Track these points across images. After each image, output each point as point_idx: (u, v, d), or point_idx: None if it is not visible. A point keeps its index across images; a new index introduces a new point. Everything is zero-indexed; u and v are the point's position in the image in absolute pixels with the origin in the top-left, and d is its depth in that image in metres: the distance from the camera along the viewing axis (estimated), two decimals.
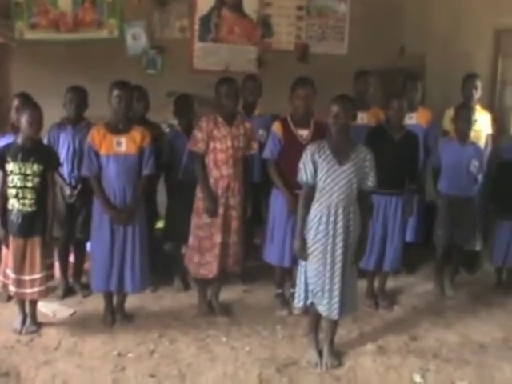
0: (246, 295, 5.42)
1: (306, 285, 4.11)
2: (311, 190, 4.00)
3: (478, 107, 5.77)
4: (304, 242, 3.98)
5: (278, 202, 4.79)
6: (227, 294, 5.25)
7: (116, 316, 4.77)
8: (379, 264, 5.07)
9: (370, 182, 4.04)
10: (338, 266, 4.00)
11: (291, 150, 4.54)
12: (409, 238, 5.48)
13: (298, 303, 4.20)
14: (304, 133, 4.70)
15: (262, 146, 4.97)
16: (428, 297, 5.55)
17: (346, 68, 6.12)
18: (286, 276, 5.09)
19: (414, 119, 5.70)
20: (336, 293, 4.04)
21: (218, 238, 4.63)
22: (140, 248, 4.54)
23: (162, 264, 5.37)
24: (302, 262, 4.10)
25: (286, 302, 5.05)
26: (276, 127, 4.80)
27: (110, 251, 4.51)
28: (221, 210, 4.61)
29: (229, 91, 4.54)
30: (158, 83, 6.50)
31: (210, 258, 4.64)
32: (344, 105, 3.93)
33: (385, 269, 5.09)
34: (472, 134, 5.41)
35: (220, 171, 4.60)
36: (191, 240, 4.71)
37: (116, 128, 4.47)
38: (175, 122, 5.51)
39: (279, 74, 6.21)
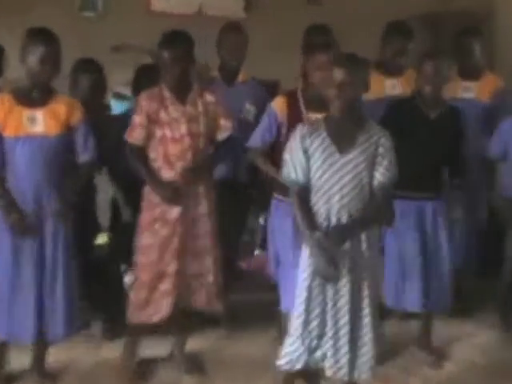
0: (227, 343, 4.69)
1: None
2: (304, 190, 3.54)
3: None
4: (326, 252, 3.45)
5: (278, 217, 4.15)
6: (198, 342, 4.55)
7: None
8: (418, 302, 4.33)
9: (383, 175, 3.49)
10: (344, 310, 3.49)
11: None
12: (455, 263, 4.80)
13: (287, 364, 3.61)
14: (319, 117, 3.94)
15: (248, 127, 4.38)
16: (493, 349, 4.71)
17: (376, 12, 5.69)
18: None
19: (473, 91, 4.95)
20: (343, 349, 3.53)
21: (172, 266, 4.05)
22: (65, 275, 3.98)
23: (111, 294, 4.66)
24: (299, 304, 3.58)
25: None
26: (277, 104, 4.17)
27: (11, 282, 3.96)
28: (178, 227, 4.02)
29: (174, 52, 3.97)
30: (99, 32, 5.99)
31: (158, 295, 4.08)
32: (352, 69, 3.46)
33: (428, 309, 4.37)
34: None
35: (174, 170, 4.01)
36: (135, 270, 4.16)
37: (29, 98, 3.92)
38: (124, 90, 5.16)
39: (276, 21, 5.75)
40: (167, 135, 4.08)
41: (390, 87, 4.47)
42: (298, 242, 4.03)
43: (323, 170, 3.51)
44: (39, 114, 3.99)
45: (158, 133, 4.10)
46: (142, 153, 4.15)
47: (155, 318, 4.15)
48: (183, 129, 4.08)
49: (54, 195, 4.04)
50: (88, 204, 4.65)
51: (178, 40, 4.13)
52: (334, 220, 3.53)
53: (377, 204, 3.65)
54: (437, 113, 4.37)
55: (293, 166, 3.57)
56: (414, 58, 4.87)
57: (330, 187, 3.50)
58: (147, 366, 4.47)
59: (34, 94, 3.97)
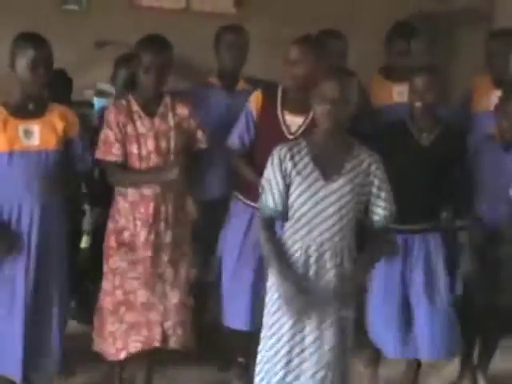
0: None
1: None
2: (274, 220, 3.31)
3: None
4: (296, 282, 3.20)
5: (237, 223, 4.05)
6: None
7: None
8: (406, 350, 4.00)
9: (385, 209, 3.27)
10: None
11: (266, 145, 3.56)
12: None
13: None
14: (296, 121, 3.89)
15: None
16: None
17: (373, 10, 5.57)
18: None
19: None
20: None
21: (140, 296, 3.81)
22: (59, 302, 3.82)
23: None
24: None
25: (246, 371, 4.24)
26: (253, 101, 3.98)
27: None
28: (148, 253, 3.80)
29: (151, 60, 3.74)
30: (83, 27, 5.75)
31: (122, 328, 3.82)
32: (343, 82, 3.20)
33: (411, 356, 4.08)
34: None
35: (139, 190, 3.81)
36: (100, 296, 3.94)
37: (23, 110, 3.76)
38: (108, 87, 4.95)
39: (269, 17, 5.53)
40: (133, 152, 3.86)
41: (398, 94, 4.33)
42: (246, 243, 3.98)
43: (304, 199, 3.26)
44: (35, 127, 3.84)
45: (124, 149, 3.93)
46: (122, 167, 3.93)
47: (122, 355, 3.88)
48: (150, 145, 3.87)
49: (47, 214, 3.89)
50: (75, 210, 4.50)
51: (160, 45, 3.90)
52: (314, 256, 3.27)
53: (379, 245, 3.46)
54: (431, 138, 4.02)
55: (271, 192, 3.31)
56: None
57: (312, 218, 3.26)
58: None
59: (30, 106, 3.81)
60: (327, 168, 3.26)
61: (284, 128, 3.92)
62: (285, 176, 3.26)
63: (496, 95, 4.31)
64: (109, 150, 3.84)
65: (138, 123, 3.86)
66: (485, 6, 6.10)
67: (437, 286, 4.01)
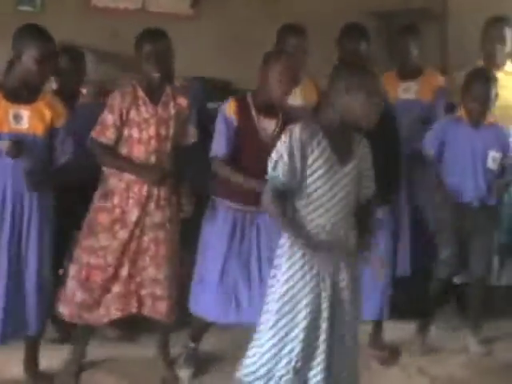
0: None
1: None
2: (282, 193, 3.36)
3: (505, 70, 4.99)
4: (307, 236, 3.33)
5: (216, 220, 4.08)
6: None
7: None
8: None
9: (369, 189, 3.48)
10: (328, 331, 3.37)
11: (247, 151, 3.90)
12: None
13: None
14: (270, 125, 4.01)
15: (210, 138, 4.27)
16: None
17: (333, 9, 5.52)
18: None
19: (413, 91, 4.96)
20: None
21: (125, 269, 4.02)
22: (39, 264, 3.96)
23: None
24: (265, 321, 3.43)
25: (195, 359, 4.33)
26: (232, 110, 4.07)
27: None
28: (137, 231, 4.00)
29: (153, 51, 3.94)
30: None
31: (109, 297, 4.05)
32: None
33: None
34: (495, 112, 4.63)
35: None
36: (74, 269, 4.05)
37: (17, 95, 3.89)
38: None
39: (226, 18, 5.38)
40: (134, 136, 4.02)
41: None
42: (230, 252, 4.05)
43: (323, 182, 3.38)
44: (25, 112, 3.91)
45: (125, 133, 4.03)
46: (112, 150, 4.07)
47: (105, 320, 4.10)
48: (151, 131, 4.03)
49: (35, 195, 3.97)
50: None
51: (163, 35, 4.06)
52: (324, 236, 3.40)
53: (371, 219, 3.59)
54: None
55: (284, 165, 3.36)
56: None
57: (328, 200, 3.38)
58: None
59: (22, 91, 3.88)
60: (341, 153, 3.38)
61: (261, 132, 4.04)
62: (304, 154, 3.34)
63: (401, 87, 4.88)
64: (104, 132, 3.98)
65: (143, 109, 4.03)
66: (439, 6, 6.19)
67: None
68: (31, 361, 4.20)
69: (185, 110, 4.12)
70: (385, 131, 4.10)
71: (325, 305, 3.39)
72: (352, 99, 3.28)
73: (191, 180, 4.35)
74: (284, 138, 3.33)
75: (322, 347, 3.42)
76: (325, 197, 3.36)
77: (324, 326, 3.42)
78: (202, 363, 4.41)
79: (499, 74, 4.77)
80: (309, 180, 3.33)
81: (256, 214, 3.93)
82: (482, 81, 4.52)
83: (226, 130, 4.10)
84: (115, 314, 4.10)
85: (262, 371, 3.48)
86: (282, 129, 3.92)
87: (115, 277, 4.12)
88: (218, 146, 4.10)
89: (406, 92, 4.95)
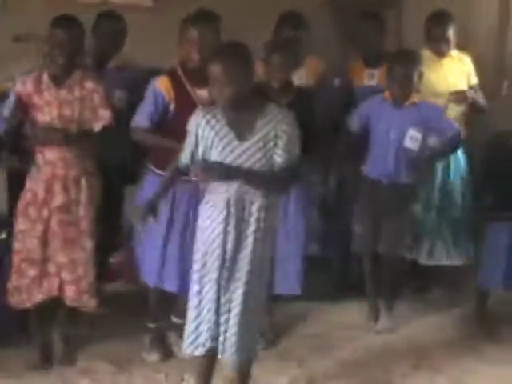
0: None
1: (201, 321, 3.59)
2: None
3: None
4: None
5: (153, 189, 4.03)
6: None
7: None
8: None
9: (280, 157, 3.55)
10: (241, 285, 3.55)
11: (186, 120, 3.76)
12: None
13: (189, 347, 3.62)
14: (204, 93, 4.11)
15: (119, 115, 4.30)
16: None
17: None
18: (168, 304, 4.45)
19: (376, 78, 5.08)
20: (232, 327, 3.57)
21: (39, 252, 4.09)
22: None
23: None
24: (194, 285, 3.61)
25: (160, 340, 4.37)
26: (161, 84, 4.20)
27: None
28: (44, 213, 4.07)
29: (56, 35, 4.06)
30: (1, 21, 5.55)
31: (28, 281, 4.12)
32: (229, 64, 3.49)
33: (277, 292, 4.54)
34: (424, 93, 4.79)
35: (43, 155, 4.10)
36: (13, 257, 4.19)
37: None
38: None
39: (187, 10, 4.97)
40: (38, 119, 4.08)
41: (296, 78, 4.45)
42: (172, 220, 4.14)
43: (222, 158, 3.51)
44: None
45: (31, 116, 4.10)
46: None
47: (28, 304, 4.14)
48: (54, 113, 4.09)
49: None
50: None
51: (71, 22, 4.13)
52: (233, 210, 3.52)
53: (277, 182, 3.59)
54: (288, 99, 4.37)
55: (186, 150, 3.58)
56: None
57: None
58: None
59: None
60: (240, 129, 3.51)
61: (198, 102, 4.13)
62: (198, 138, 3.54)
63: (366, 74, 5.04)
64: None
65: (45, 93, 4.11)
66: None
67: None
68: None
69: (92, 93, 4.14)
70: (301, 106, 4.22)
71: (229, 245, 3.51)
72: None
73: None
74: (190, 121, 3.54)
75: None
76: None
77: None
78: (169, 346, 4.37)
79: (445, 60, 4.97)
80: (212, 158, 3.49)
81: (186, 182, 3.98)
82: (402, 63, 4.57)
83: (153, 102, 4.19)
84: (38, 297, 4.12)
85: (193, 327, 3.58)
86: None
87: (31, 261, 4.13)
88: (140, 118, 4.20)
89: (370, 79, 5.07)
